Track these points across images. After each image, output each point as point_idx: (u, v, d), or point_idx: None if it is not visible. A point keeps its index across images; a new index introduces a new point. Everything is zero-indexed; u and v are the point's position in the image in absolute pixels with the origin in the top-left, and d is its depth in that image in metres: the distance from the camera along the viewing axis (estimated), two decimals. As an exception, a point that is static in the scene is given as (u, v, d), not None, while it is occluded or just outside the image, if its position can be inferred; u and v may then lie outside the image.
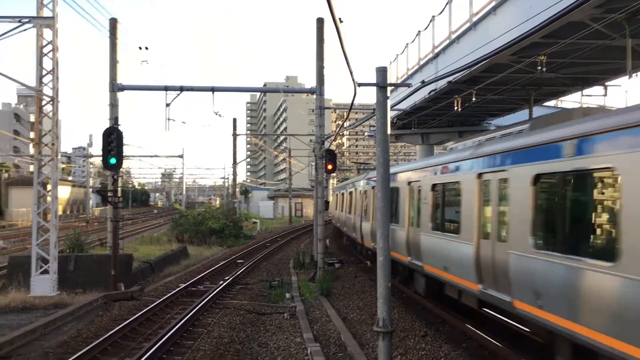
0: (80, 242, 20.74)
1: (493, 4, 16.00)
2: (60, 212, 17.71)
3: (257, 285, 19.53)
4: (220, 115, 22.94)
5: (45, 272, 16.42)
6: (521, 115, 25.52)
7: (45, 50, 16.68)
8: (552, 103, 26.71)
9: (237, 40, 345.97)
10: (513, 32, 12.24)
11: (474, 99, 18.28)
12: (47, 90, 16.81)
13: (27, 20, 16.08)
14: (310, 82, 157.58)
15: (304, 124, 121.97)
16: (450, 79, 16.98)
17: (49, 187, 17.38)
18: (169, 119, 19.94)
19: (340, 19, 7.14)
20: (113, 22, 19.64)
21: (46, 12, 16.54)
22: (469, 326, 11.85)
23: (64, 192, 76.85)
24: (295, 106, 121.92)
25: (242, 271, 22.54)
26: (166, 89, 19.38)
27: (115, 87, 19.91)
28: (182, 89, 19.53)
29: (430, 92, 19.15)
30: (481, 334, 11.22)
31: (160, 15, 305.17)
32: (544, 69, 13.77)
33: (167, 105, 19.49)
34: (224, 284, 18.77)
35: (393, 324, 8.73)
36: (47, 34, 16.66)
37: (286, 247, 35.19)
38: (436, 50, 21.26)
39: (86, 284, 16.98)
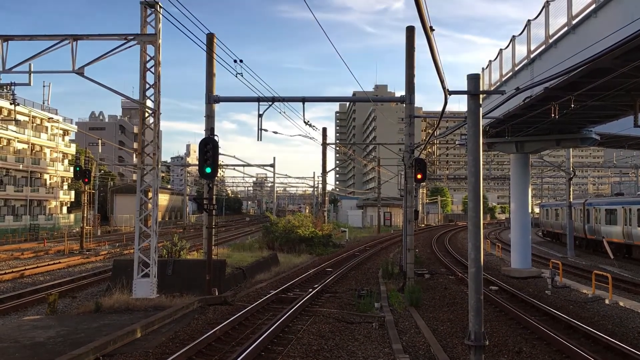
0: (178, 248, 21.64)
1: (593, 6, 15.24)
2: (159, 219, 18.61)
3: (346, 294, 19.58)
4: (311, 125, 22.98)
5: (146, 275, 17.30)
6: (624, 122, 24.05)
7: (148, 65, 17.64)
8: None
9: (325, 50, 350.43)
10: (616, 35, 11.60)
11: (572, 106, 17.45)
12: (149, 103, 17.77)
13: (132, 37, 17.06)
14: (400, 90, 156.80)
15: (393, 132, 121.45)
16: (547, 85, 16.31)
17: (150, 194, 18.32)
18: (261, 129, 20.43)
19: (431, 27, 7.10)
20: (210, 37, 20.36)
21: (149, 29, 17.51)
22: (568, 343, 11.28)
23: (163, 200, 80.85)
24: (385, 115, 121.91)
25: (331, 279, 22.68)
26: (259, 100, 19.88)
27: (211, 99, 20.74)
28: (273, 99, 19.99)
29: (525, 99, 18.50)
30: (580, 352, 10.66)
31: (252, 29, 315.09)
32: (651, 73, 12.94)
33: (260, 115, 20.04)
34: (313, 291, 18.97)
35: (485, 337, 8.49)
36: (150, 49, 17.62)
37: (375, 256, 35.06)
38: (532, 56, 20.51)
39: (183, 288, 17.74)
